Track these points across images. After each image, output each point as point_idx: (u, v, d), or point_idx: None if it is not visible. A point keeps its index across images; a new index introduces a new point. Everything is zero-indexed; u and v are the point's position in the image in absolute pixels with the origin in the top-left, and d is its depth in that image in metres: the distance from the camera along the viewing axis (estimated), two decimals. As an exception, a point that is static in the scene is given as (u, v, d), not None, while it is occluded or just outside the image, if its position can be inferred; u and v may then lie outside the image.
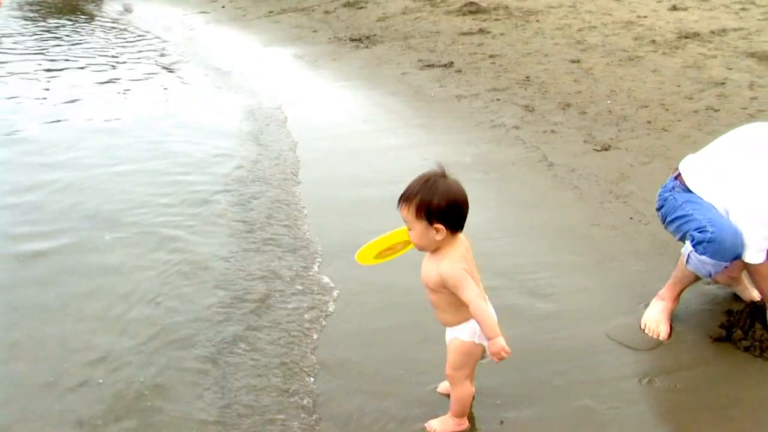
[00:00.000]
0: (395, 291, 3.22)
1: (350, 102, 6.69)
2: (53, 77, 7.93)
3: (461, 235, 2.21)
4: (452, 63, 7.47)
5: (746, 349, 2.73)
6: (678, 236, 2.87)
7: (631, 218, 3.89)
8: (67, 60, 8.79)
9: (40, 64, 8.50)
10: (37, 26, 11.49)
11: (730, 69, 6.30)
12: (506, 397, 2.53)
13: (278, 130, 5.94)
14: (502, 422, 2.43)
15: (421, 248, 2.21)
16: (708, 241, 2.63)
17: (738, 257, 2.66)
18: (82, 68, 8.36)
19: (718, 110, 5.36)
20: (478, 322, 2.15)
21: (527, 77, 6.73)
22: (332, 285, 3.37)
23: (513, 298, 3.16)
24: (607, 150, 4.87)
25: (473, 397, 2.42)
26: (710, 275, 2.78)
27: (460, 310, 2.20)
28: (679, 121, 5.28)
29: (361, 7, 11.12)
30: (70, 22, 11.89)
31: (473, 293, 2.12)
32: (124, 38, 10.53)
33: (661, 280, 2.99)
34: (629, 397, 2.54)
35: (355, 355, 2.85)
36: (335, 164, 5.10)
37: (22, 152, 5.39)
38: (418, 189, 2.11)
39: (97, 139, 5.73)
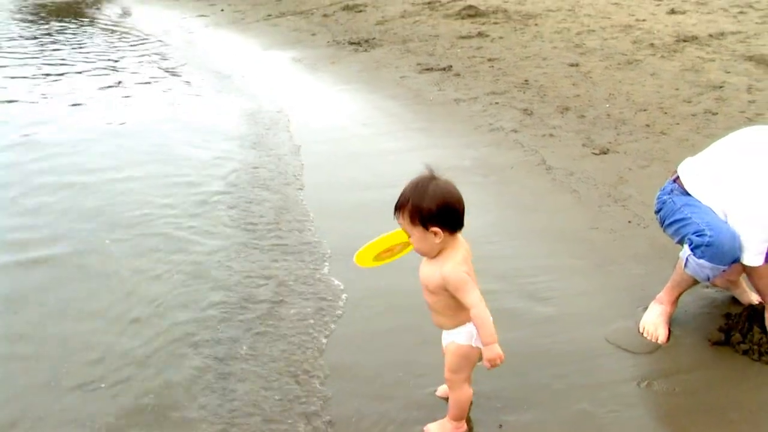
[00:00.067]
0: (395, 293, 3.22)
1: (350, 105, 6.70)
2: (55, 81, 7.94)
3: (461, 237, 2.20)
4: (451, 66, 7.49)
5: (745, 353, 2.74)
6: (676, 239, 2.88)
7: (629, 222, 3.90)
8: (67, 64, 8.80)
9: (39, 69, 8.51)
10: (39, 29, 11.51)
11: (729, 72, 6.32)
12: (505, 401, 2.53)
13: (279, 134, 5.94)
14: (501, 426, 2.43)
15: (424, 253, 2.20)
16: (706, 245, 2.63)
17: (736, 261, 2.67)
18: (79, 73, 8.36)
19: (717, 114, 5.38)
20: (477, 327, 2.15)
21: (526, 81, 6.74)
22: (342, 287, 3.36)
23: (512, 301, 3.17)
24: (605, 153, 4.88)
25: (471, 401, 2.42)
26: (708, 279, 2.79)
27: (458, 313, 2.20)
28: (678, 124, 5.29)
29: (360, 11, 11.14)
30: (72, 26, 11.90)
31: (476, 297, 2.12)
32: (126, 41, 10.54)
33: (660, 284, 3.00)
34: (628, 400, 2.54)
35: (355, 359, 2.85)
36: (335, 168, 5.11)
37: (25, 155, 5.40)
38: (408, 196, 2.11)
39: (99, 142, 5.75)
